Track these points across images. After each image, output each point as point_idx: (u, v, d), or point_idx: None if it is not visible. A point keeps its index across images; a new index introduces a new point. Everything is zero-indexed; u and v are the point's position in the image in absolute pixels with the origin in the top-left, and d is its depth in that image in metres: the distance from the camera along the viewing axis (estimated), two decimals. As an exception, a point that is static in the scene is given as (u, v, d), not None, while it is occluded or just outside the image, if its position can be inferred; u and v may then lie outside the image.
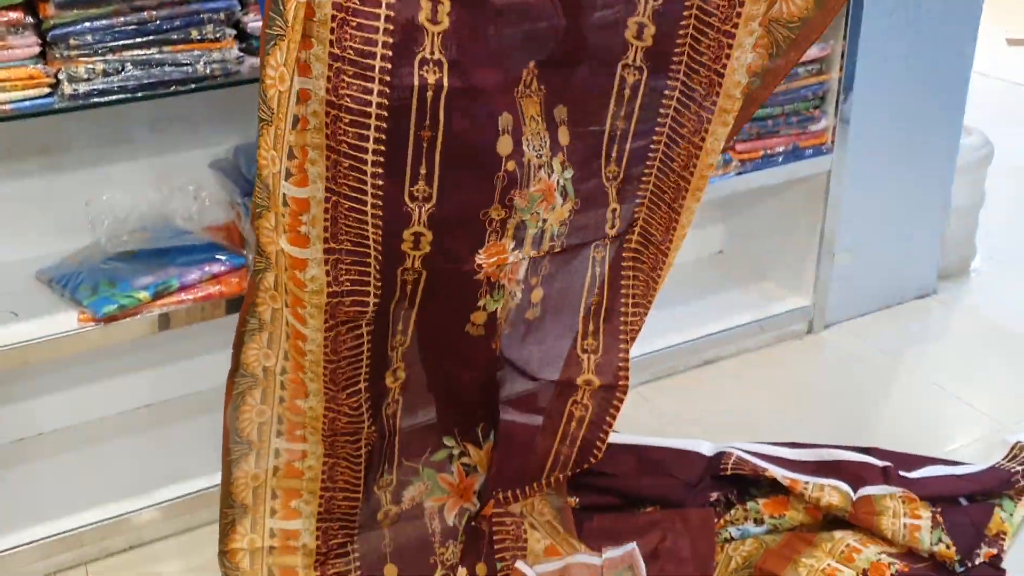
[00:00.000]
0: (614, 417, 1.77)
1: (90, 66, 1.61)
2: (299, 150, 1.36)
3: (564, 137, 1.52)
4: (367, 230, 1.42)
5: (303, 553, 1.60)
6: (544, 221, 1.56)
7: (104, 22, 1.60)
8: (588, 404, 1.74)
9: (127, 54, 1.63)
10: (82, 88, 1.61)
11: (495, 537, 1.70)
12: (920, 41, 2.42)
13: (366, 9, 1.30)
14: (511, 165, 1.45)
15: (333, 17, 1.29)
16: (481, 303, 1.56)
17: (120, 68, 1.63)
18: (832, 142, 2.39)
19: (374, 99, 1.33)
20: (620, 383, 1.74)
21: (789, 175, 2.37)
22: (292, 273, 1.42)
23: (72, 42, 1.59)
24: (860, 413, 2.28)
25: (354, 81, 1.32)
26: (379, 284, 1.45)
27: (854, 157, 2.43)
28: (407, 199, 1.41)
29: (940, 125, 2.59)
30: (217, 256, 1.81)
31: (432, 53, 1.33)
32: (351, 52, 1.30)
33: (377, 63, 1.32)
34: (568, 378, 1.74)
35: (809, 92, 2.33)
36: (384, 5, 1.30)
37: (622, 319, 1.72)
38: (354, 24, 1.30)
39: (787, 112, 2.32)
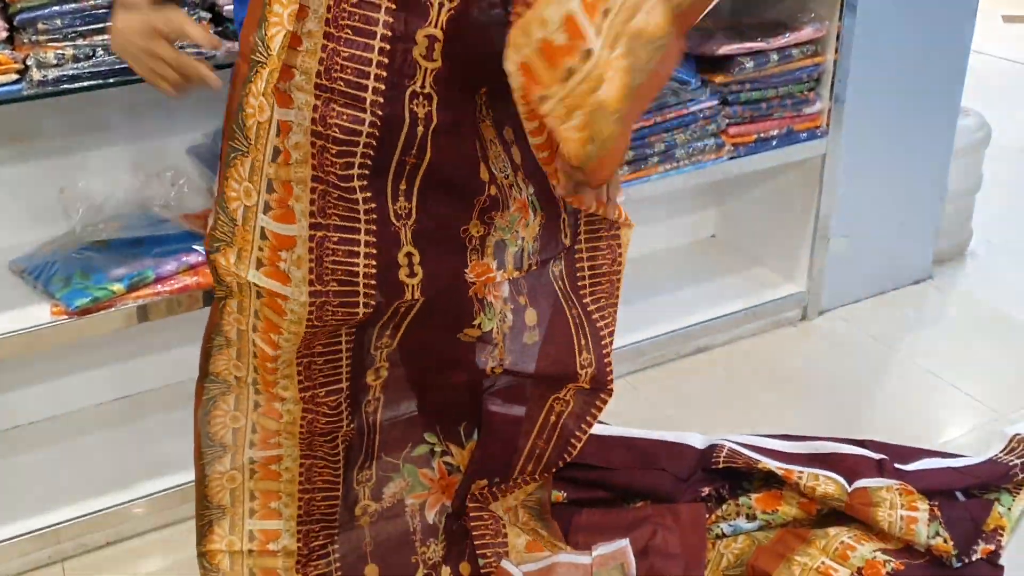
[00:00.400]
0: (595, 417, 1.73)
1: (60, 51, 1.55)
2: (281, 185, 1.33)
3: (517, 155, 1.50)
4: (358, 264, 1.38)
5: (284, 555, 1.56)
6: (522, 239, 1.54)
7: (73, 6, 1.55)
8: (570, 401, 1.70)
9: (98, 39, 1.57)
10: (52, 74, 1.55)
11: (474, 534, 1.67)
12: (917, 19, 2.37)
13: (360, 40, 1.27)
14: (493, 190, 1.46)
15: (324, 47, 1.26)
16: (477, 321, 1.55)
17: (91, 54, 1.57)
18: (827, 125, 2.34)
19: (364, 128, 1.31)
20: (607, 386, 1.71)
21: (783, 159, 2.32)
22: (271, 301, 1.38)
23: (40, 27, 1.54)
24: (854, 402, 2.25)
25: (344, 111, 1.29)
26: (368, 313, 1.42)
27: (849, 140, 2.38)
28: (392, 218, 1.39)
29: (937, 107, 2.54)
30: (194, 247, 1.76)
31: (423, 87, 1.32)
32: (341, 83, 1.28)
33: (369, 95, 1.29)
34: (560, 383, 1.71)
35: (804, 74, 2.28)
36: (379, 37, 1.27)
37: (596, 323, 1.68)
38: (346, 55, 1.27)
39: (781, 95, 2.27)
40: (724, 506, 1.87)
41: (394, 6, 1.26)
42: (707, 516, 1.84)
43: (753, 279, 2.57)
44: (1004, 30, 4.82)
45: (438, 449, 1.68)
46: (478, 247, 1.50)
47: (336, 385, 1.49)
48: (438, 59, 1.30)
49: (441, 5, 1.28)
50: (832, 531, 1.79)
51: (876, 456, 1.94)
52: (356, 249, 1.38)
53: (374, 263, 1.39)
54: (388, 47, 1.28)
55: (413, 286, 1.44)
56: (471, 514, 1.68)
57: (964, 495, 1.91)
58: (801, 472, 1.86)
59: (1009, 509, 1.88)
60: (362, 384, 1.54)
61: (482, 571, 1.66)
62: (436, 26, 1.28)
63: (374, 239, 1.38)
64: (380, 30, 1.27)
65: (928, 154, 2.57)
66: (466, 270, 1.50)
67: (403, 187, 1.39)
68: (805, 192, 2.44)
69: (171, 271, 1.73)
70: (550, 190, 1.53)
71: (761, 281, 2.55)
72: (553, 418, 1.71)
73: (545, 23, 1.21)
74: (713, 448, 1.94)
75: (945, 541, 1.75)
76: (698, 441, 1.98)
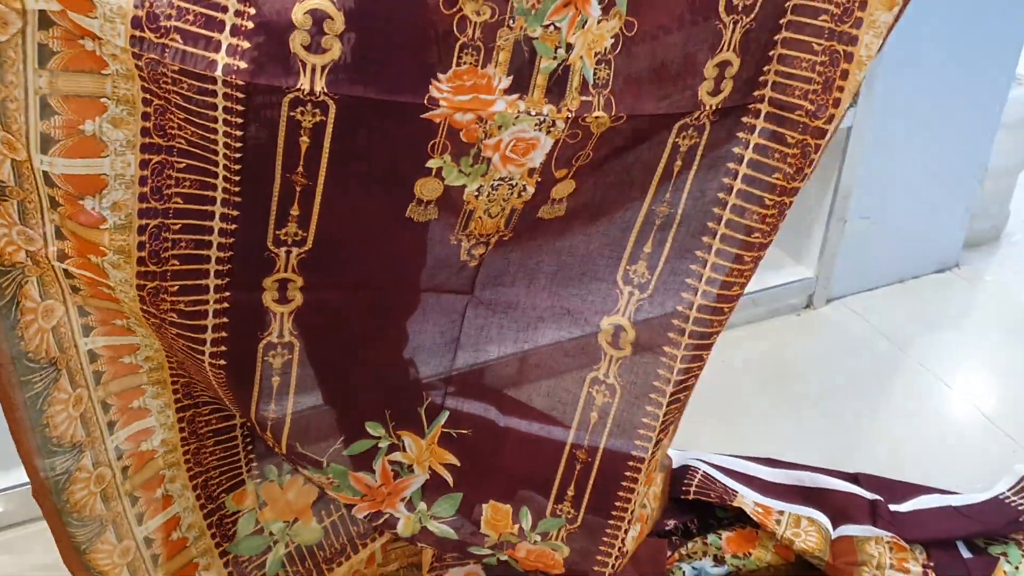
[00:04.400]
0: (671, 403, 1.28)
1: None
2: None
3: None
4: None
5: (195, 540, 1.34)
6: (570, 50, 1.03)
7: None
8: (615, 385, 1.30)
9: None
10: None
11: None
12: (972, -29, 2.04)
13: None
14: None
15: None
16: (432, 163, 1.06)
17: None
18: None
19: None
20: (665, 347, 1.24)
21: (802, 128, 2.02)
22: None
23: None
24: (854, 412, 2.00)
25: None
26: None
27: (880, 110, 2.08)
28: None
29: (987, 73, 2.22)
30: None
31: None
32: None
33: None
34: (587, 332, 1.28)
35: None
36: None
37: (706, 235, 1.21)
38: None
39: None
40: (690, 543, 1.64)
41: None
42: (669, 553, 1.61)
43: (757, 258, 2.29)
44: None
45: (384, 444, 1.31)
46: (478, 44, 1.00)
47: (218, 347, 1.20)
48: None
49: None
50: (808, 587, 1.56)
51: (869, 496, 1.70)
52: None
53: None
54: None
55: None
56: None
57: (966, 546, 1.67)
58: (781, 513, 1.62)
59: (1016, 568, 1.65)
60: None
61: None
62: None
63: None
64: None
65: (970, 127, 2.27)
66: (438, 77, 1.00)
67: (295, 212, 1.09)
68: (824, 165, 2.14)
69: None
70: None
71: (765, 263, 2.26)
72: (595, 414, 1.33)
73: None
74: (686, 471, 1.70)
75: (938, 610, 1.53)
76: (671, 458, 1.74)
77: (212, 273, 1.09)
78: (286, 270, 1.12)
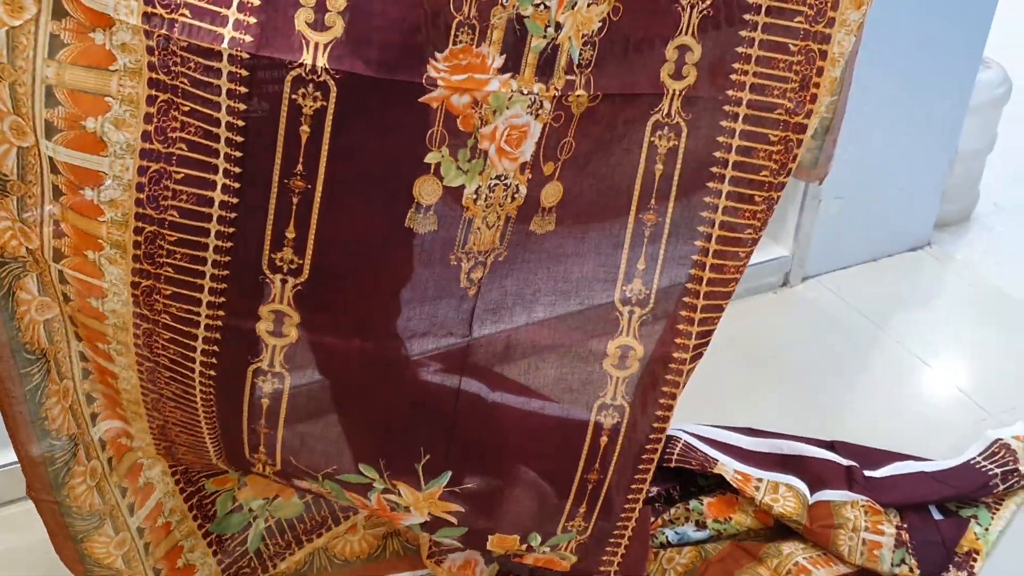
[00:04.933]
0: (665, 420, 1.32)
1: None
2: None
3: None
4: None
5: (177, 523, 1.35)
6: (558, 29, 1.04)
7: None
8: (624, 404, 1.29)
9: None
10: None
11: None
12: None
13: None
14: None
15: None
16: (431, 158, 1.07)
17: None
18: (829, 75, 2.07)
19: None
20: (673, 353, 1.26)
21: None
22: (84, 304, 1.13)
23: None
24: (832, 387, 2.05)
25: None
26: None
27: (853, 94, 2.11)
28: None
29: (956, 57, 2.27)
30: None
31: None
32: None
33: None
34: (591, 364, 1.28)
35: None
36: None
37: (698, 239, 1.23)
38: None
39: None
40: (673, 509, 1.69)
41: None
42: (653, 519, 1.66)
43: (733, 237, 2.33)
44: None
45: (379, 486, 1.27)
46: (472, 23, 1.02)
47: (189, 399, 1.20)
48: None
49: None
50: (786, 549, 1.61)
51: (844, 462, 1.75)
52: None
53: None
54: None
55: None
56: None
57: (938, 510, 1.73)
58: (759, 480, 1.67)
59: (986, 530, 1.71)
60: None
61: None
62: None
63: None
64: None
65: (940, 110, 2.32)
66: (436, 56, 1.01)
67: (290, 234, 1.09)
68: (799, 147, 2.19)
69: None
70: None
71: (742, 241, 2.32)
72: (605, 438, 1.31)
73: None
74: (668, 441, 1.75)
75: (911, 569, 1.58)
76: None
77: (207, 289, 1.09)
78: (282, 301, 1.11)
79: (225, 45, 0.97)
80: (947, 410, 2.01)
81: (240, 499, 1.42)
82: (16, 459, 1.20)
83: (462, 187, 1.09)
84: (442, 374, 1.24)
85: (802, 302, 2.28)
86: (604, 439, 1.31)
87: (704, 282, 1.24)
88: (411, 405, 1.26)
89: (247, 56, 0.97)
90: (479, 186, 1.09)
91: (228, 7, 0.97)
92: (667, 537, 1.65)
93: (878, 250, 2.43)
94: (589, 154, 1.16)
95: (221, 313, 1.11)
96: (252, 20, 0.97)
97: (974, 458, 1.84)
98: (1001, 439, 1.86)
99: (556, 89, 1.07)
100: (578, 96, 1.09)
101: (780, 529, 1.67)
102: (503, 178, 1.10)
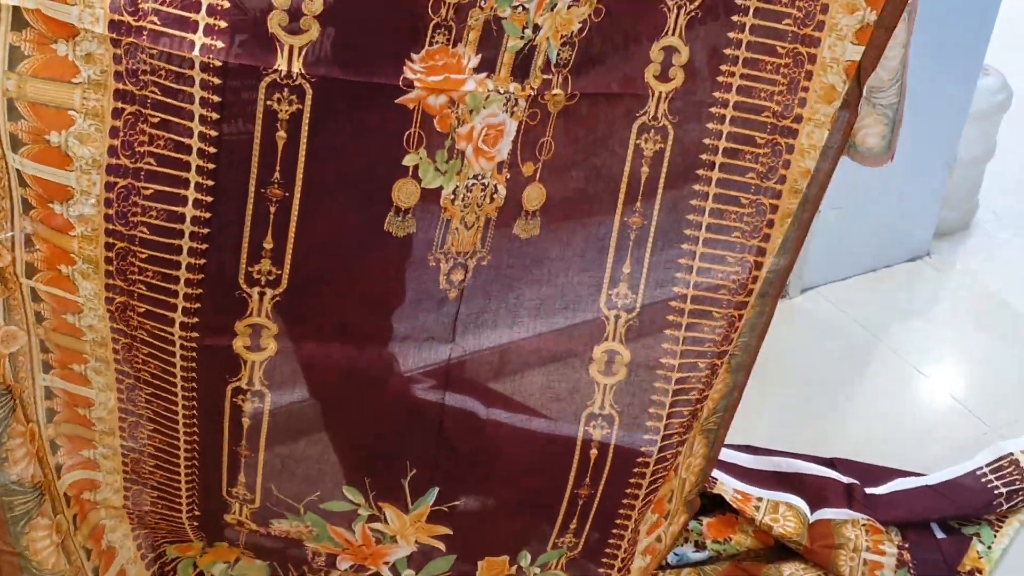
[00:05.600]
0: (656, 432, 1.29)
1: None
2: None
3: None
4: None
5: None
6: (536, 29, 1.03)
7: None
8: (612, 414, 1.27)
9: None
10: None
11: None
12: (940, -40, 2.06)
13: None
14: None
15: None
16: (408, 160, 1.05)
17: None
18: (827, 83, 2.05)
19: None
20: (661, 359, 1.24)
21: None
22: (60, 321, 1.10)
23: None
24: (830, 399, 2.03)
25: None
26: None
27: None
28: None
29: (956, 64, 2.24)
30: None
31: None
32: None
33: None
34: (578, 370, 1.26)
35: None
36: None
37: (685, 243, 1.21)
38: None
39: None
40: (671, 529, 1.66)
41: None
42: (650, 540, 1.63)
43: (730, 249, 2.31)
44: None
45: (364, 513, 1.26)
46: (449, 23, 1.00)
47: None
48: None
49: None
50: (787, 570, 1.59)
51: (845, 480, 1.73)
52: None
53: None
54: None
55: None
56: None
57: (940, 527, 1.71)
58: (759, 500, 1.65)
59: (989, 548, 1.68)
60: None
61: None
62: None
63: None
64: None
65: (939, 118, 2.29)
66: (412, 56, 1.00)
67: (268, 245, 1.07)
68: (797, 157, 2.17)
69: None
70: None
71: (740, 253, 2.29)
72: (595, 449, 1.28)
73: None
74: (665, 459, 1.72)
75: (913, 589, 1.56)
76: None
77: (180, 309, 1.07)
78: (259, 314, 1.09)
79: (197, 52, 0.94)
80: (946, 422, 1.99)
81: (201, 565, 1.38)
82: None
83: (440, 188, 1.08)
84: (427, 382, 1.22)
85: (801, 314, 2.26)
86: (594, 452, 1.29)
87: (691, 286, 1.22)
88: (396, 413, 1.24)
89: (220, 64, 0.95)
90: (456, 186, 1.08)
91: (198, 12, 0.94)
92: (666, 558, 1.63)
93: (877, 260, 2.40)
94: (571, 156, 1.14)
95: (195, 334, 1.09)
96: (223, 24, 0.94)
97: (981, 468, 1.82)
98: (1012, 454, 1.83)
99: (532, 88, 1.06)
100: (555, 95, 1.08)
101: (780, 549, 1.64)
102: (480, 178, 1.09)
